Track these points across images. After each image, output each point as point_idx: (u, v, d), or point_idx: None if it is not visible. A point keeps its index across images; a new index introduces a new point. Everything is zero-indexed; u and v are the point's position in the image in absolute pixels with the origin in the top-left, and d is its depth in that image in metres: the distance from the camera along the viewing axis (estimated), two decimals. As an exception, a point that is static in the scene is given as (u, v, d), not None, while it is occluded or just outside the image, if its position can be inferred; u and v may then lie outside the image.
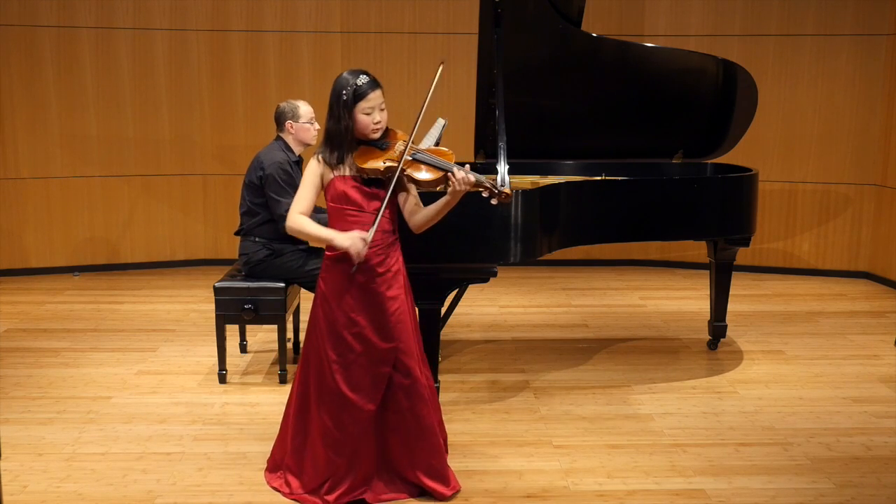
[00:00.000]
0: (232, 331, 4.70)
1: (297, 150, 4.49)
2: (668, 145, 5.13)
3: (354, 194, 3.10)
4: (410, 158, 3.10)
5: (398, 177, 3.07)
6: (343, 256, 3.06)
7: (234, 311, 4.35)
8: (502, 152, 3.97)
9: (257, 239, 4.41)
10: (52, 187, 6.87)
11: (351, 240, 3.00)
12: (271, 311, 4.34)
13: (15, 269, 6.84)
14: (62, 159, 6.86)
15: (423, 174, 3.10)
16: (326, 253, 3.17)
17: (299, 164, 4.49)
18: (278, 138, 4.50)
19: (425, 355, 3.36)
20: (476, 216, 3.77)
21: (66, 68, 6.76)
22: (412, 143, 3.11)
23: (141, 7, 6.82)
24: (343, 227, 3.10)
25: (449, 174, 3.06)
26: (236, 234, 4.55)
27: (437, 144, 4.49)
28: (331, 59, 6.99)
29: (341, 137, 3.08)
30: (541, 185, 4.20)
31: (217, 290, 4.36)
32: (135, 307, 5.97)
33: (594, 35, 4.62)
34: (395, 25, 6.99)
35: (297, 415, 3.28)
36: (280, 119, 4.48)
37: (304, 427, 3.25)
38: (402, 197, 3.21)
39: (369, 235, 3.02)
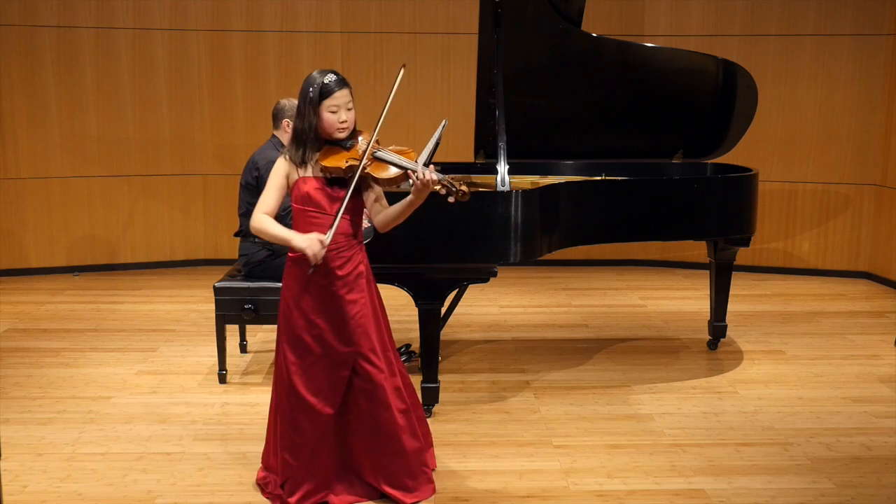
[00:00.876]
0: (232, 331, 4.70)
1: None
2: (668, 145, 5.13)
3: (317, 195, 3.07)
4: (372, 157, 3.07)
5: (360, 176, 3.03)
6: (304, 257, 3.05)
7: (234, 311, 4.35)
8: (502, 152, 3.97)
9: (257, 240, 4.40)
10: (52, 187, 6.87)
11: (308, 241, 2.97)
12: (271, 311, 4.32)
13: (15, 269, 6.84)
14: (62, 159, 6.86)
15: (385, 173, 3.06)
16: (289, 254, 3.15)
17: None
18: (273, 137, 4.48)
19: (390, 353, 3.27)
20: (476, 216, 3.77)
21: (66, 68, 6.76)
22: (374, 142, 3.06)
23: (141, 7, 6.82)
24: (305, 228, 3.07)
25: (410, 173, 3.02)
26: (236, 235, 4.55)
27: (437, 144, 4.49)
28: (331, 59, 6.98)
29: (306, 135, 3.05)
30: (541, 185, 4.20)
31: (217, 290, 4.36)
32: (135, 307, 5.97)
33: (594, 35, 4.62)
34: (395, 25, 6.99)
35: (275, 416, 3.27)
36: (278, 116, 4.46)
37: (277, 430, 3.24)
38: (367, 197, 3.18)
39: (327, 238, 2.99)
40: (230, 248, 6.70)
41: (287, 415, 3.15)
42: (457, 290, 4.52)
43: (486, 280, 3.94)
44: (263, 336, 5.25)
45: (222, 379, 4.46)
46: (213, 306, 4.48)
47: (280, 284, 4.29)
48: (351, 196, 3.04)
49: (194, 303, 6.08)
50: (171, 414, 4.07)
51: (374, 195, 3.18)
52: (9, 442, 3.70)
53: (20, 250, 6.86)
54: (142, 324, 5.56)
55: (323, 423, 3.14)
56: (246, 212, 4.42)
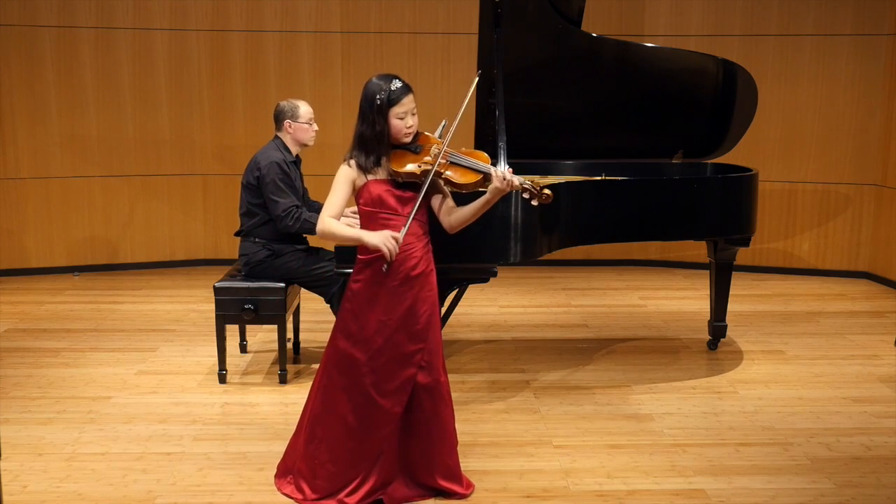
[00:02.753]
0: (232, 331, 4.70)
1: (295, 150, 4.48)
2: (668, 145, 5.13)
3: (389, 198, 3.13)
4: (447, 161, 3.14)
5: (433, 179, 3.12)
6: (377, 258, 3.09)
7: (234, 311, 4.35)
8: (502, 152, 3.97)
9: (257, 240, 4.41)
10: (52, 187, 6.87)
11: (382, 237, 3.04)
12: (271, 311, 4.34)
13: (15, 269, 6.84)
14: (62, 159, 6.86)
15: (461, 177, 3.14)
16: (359, 256, 3.18)
17: (297, 164, 4.49)
18: (276, 138, 4.49)
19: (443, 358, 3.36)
20: (476, 216, 3.77)
21: (66, 68, 6.76)
22: (447, 146, 3.15)
23: (141, 7, 6.82)
24: (375, 229, 3.12)
25: (493, 175, 3.09)
26: (236, 234, 4.55)
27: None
28: (331, 59, 6.99)
29: (376, 142, 3.11)
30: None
31: (217, 290, 4.36)
32: (135, 307, 5.97)
33: (594, 35, 4.62)
34: (395, 25, 6.99)
35: (314, 419, 3.26)
36: (279, 118, 4.47)
37: (323, 432, 3.23)
38: (436, 199, 3.24)
39: (401, 235, 3.06)
40: (230, 247, 6.70)
41: (359, 417, 3.17)
42: (457, 290, 4.52)
43: (486, 280, 3.94)
44: (263, 336, 5.25)
45: (222, 379, 4.46)
46: (213, 306, 4.48)
47: (280, 284, 4.34)
48: (423, 198, 3.13)
49: (194, 303, 6.08)
50: (171, 414, 4.07)
51: (442, 196, 3.24)
52: (9, 442, 3.70)
53: (20, 250, 6.86)
54: (142, 324, 5.56)
55: (393, 423, 3.18)
56: (247, 211, 4.43)
